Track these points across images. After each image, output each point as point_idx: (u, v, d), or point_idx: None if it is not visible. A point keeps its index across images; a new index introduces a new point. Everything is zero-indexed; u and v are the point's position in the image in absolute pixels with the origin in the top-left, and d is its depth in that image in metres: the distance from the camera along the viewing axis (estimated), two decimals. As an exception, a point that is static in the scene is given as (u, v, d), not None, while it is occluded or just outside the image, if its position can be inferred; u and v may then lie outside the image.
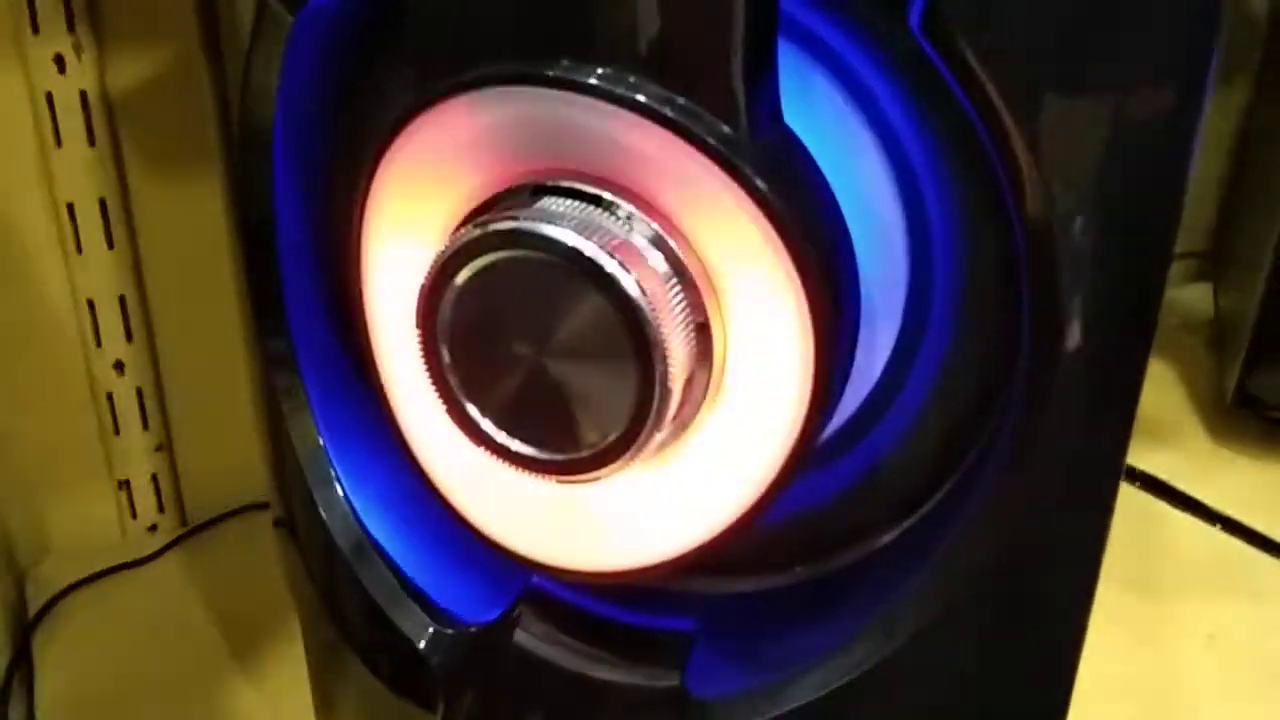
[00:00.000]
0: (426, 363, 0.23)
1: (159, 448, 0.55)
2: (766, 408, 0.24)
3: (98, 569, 0.53)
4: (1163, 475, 0.63)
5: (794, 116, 0.23)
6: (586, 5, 0.22)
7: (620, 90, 0.22)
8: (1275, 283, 0.63)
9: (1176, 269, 0.92)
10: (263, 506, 0.58)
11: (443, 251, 0.22)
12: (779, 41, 0.22)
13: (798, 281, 0.23)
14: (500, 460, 0.24)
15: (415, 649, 0.29)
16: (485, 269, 0.22)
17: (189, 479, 0.56)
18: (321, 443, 0.29)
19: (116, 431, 0.54)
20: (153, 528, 0.56)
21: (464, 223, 0.23)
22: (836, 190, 0.24)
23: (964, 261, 0.25)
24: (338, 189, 0.27)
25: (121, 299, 0.51)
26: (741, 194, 0.22)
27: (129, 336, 0.52)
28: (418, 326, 0.23)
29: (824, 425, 0.26)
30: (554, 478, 0.24)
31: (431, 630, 0.29)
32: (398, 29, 0.25)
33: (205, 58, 0.29)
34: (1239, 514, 0.59)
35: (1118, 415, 0.25)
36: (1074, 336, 0.24)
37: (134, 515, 0.56)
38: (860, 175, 0.25)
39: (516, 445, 0.23)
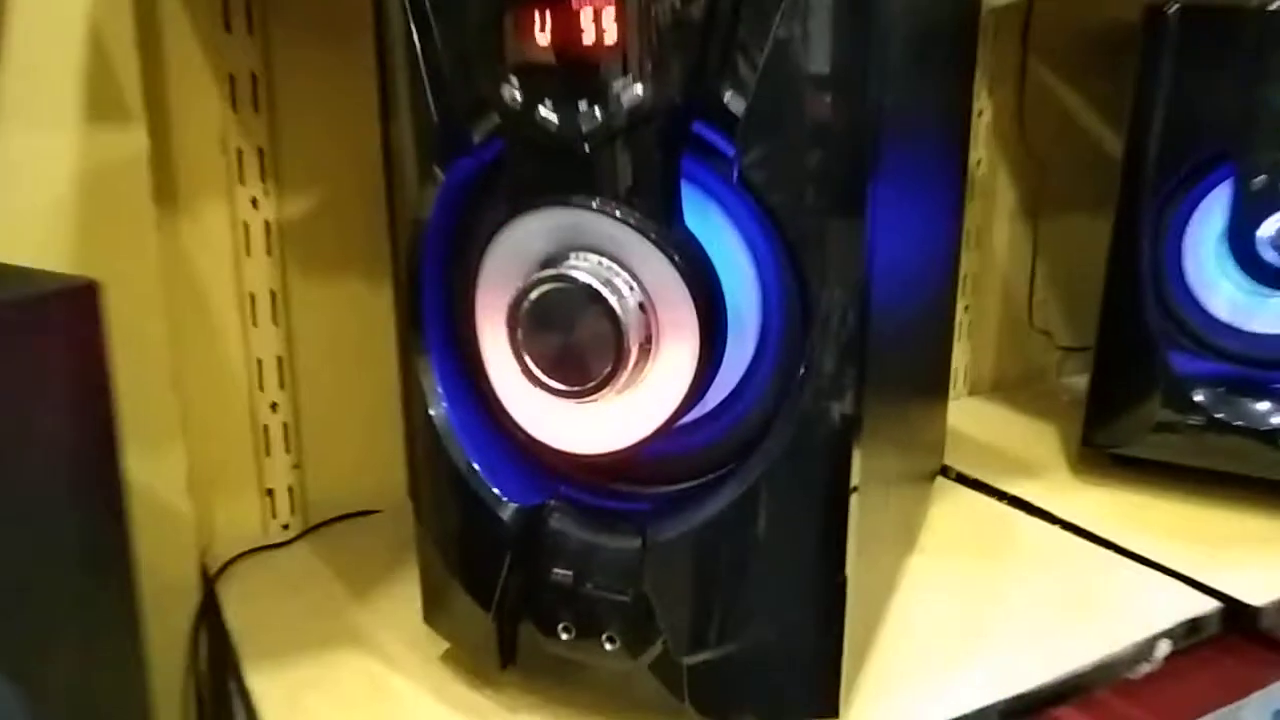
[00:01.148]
0: (510, 340, 0.46)
1: (295, 466, 0.78)
2: (676, 373, 0.47)
3: (248, 549, 0.75)
4: (1029, 498, 0.84)
5: (692, 222, 0.47)
6: (591, 169, 0.46)
7: (608, 209, 0.46)
8: (1100, 359, 0.86)
9: (1074, 359, 1.15)
10: (366, 514, 0.80)
11: (522, 284, 0.46)
12: (683, 184, 0.46)
13: (694, 309, 0.46)
14: (545, 392, 0.47)
15: (499, 516, 0.51)
16: (544, 292, 0.45)
17: (314, 491, 0.79)
18: (439, 390, 0.52)
19: (267, 453, 0.77)
20: (285, 526, 0.78)
21: (532, 271, 0.47)
22: (716, 262, 0.47)
23: (784, 309, 0.48)
24: (457, 257, 0.51)
25: (279, 359, 0.75)
26: (667, 261, 0.46)
27: (282, 385, 0.75)
28: (507, 322, 0.46)
29: (706, 387, 0.48)
30: (572, 401, 0.47)
31: (505, 505, 0.52)
32: (497, 180, 0.49)
33: (386, 195, 0.54)
34: (1079, 520, 0.80)
35: (844, 411, 0.47)
36: (827, 362, 0.47)
37: (274, 515, 0.78)
38: (728, 253, 0.48)
39: (554, 383, 0.47)
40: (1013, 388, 1.11)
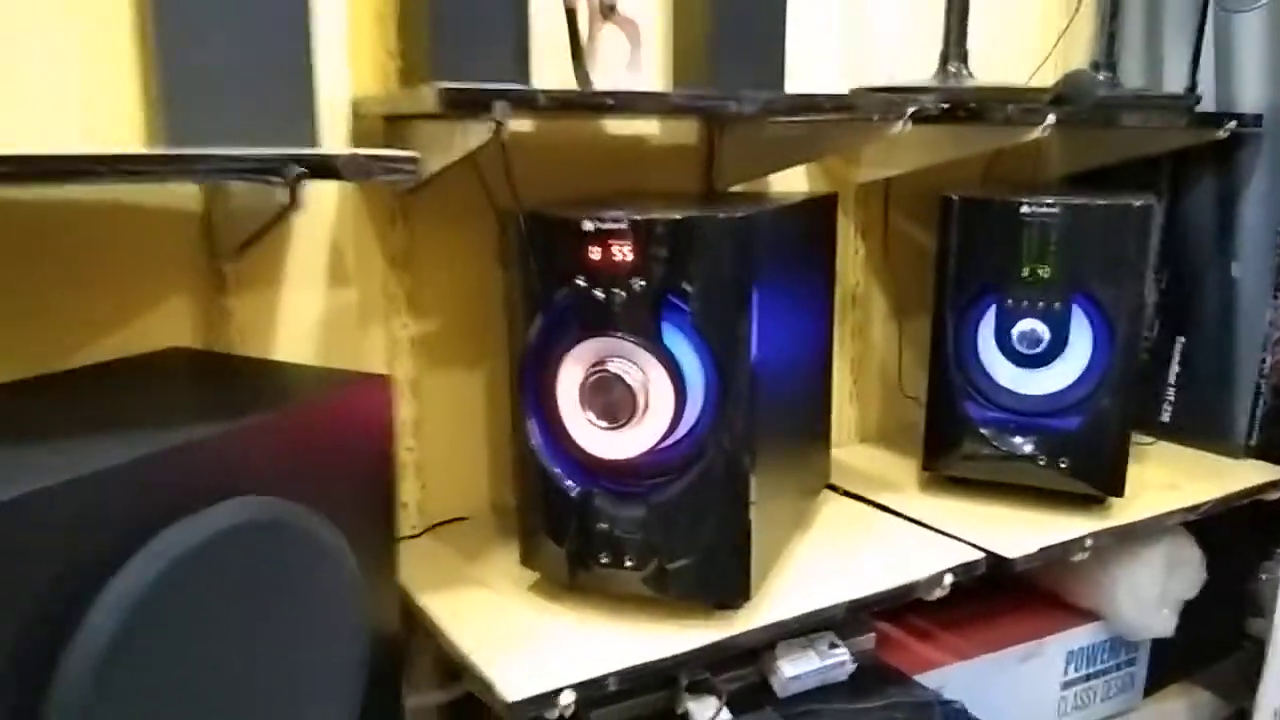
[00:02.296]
0: (579, 400, 0.94)
1: (422, 488, 1.23)
2: (661, 419, 0.95)
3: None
4: (885, 502, 1.31)
5: (670, 342, 0.95)
6: (619, 318, 0.94)
7: (628, 337, 0.94)
8: (930, 413, 1.34)
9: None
10: (461, 519, 1.26)
11: (585, 373, 0.93)
12: (663, 323, 0.94)
13: (671, 387, 0.94)
14: (595, 427, 0.94)
15: (569, 496, 0.98)
16: (596, 377, 0.93)
17: (429, 505, 1.24)
18: (531, 422, 0.99)
19: (404, 480, 1.22)
20: (414, 526, 1.24)
21: (587, 369, 0.94)
22: (681, 362, 0.95)
23: (716, 389, 0.96)
24: (545, 360, 0.98)
25: (415, 421, 1.21)
26: (658, 362, 0.94)
27: (415, 436, 1.22)
28: (578, 391, 0.94)
29: (677, 427, 0.96)
30: (609, 432, 0.94)
31: (572, 490, 0.98)
32: (569, 320, 0.97)
33: (507, 325, 1.01)
34: (912, 514, 1.27)
35: (744, 443, 0.95)
36: (736, 418, 0.94)
37: (406, 519, 1.23)
38: (688, 358, 0.96)
39: (600, 422, 0.94)
40: (889, 437, 1.59)
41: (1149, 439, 1.60)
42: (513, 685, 0.89)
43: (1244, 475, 1.45)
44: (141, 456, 0.71)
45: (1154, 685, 1.61)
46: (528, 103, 0.86)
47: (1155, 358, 1.61)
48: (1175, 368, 1.60)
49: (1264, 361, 1.49)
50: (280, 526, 0.78)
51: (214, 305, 1.03)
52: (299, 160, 0.69)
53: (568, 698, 0.90)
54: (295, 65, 0.88)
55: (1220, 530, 1.47)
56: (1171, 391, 1.60)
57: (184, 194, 1.00)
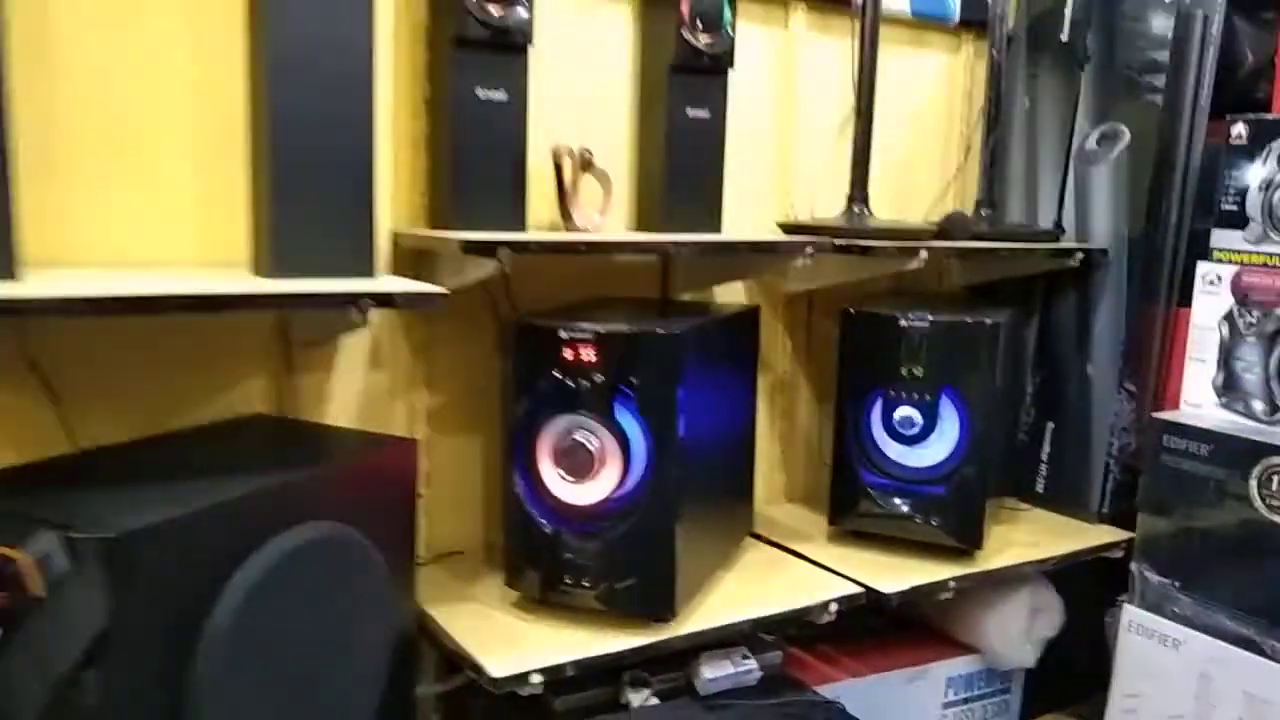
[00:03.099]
0: (552, 458, 1.30)
1: (430, 527, 1.57)
2: (613, 475, 1.30)
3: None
4: (797, 549, 1.66)
5: (621, 419, 1.30)
6: (586, 398, 1.29)
7: (591, 414, 1.29)
8: (834, 478, 1.69)
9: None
10: (458, 553, 1.60)
11: (557, 438, 1.29)
12: (616, 405, 1.29)
13: (620, 451, 1.29)
14: (563, 480, 1.29)
15: (547, 534, 1.33)
16: (566, 443, 1.29)
17: (434, 540, 1.58)
18: (517, 476, 1.34)
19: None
20: (421, 556, 1.57)
21: (559, 437, 1.30)
22: (629, 433, 1.30)
23: (653, 454, 1.31)
24: (529, 429, 1.34)
25: (427, 473, 1.55)
26: (610, 433, 1.29)
27: (427, 486, 1.56)
28: (550, 452, 1.29)
29: (625, 481, 1.31)
30: (574, 484, 1.29)
31: (546, 528, 1.33)
32: (548, 400, 1.32)
33: (500, 404, 1.36)
34: (816, 558, 1.61)
35: (675, 496, 1.30)
36: (670, 475, 1.30)
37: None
38: (634, 429, 1.31)
39: (568, 477, 1.29)
40: (809, 497, 1.93)
41: (1026, 506, 1.95)
42: (497, 666, 1.23)
43: (1093, 537, 1.79)
44: (251, 491, 1.05)
45: (1028, 714, 1.93)
46: (523, 248, 1.23)
47: (1031, 439, 1.97)
48: (1047, 447, 1.96)
49: (1112, 444, 1.85)
50: (344, 542, 1.13)
51: (285, 383, 1.38)
52: (371, 295, 1.05)
53: (536, 678, 1.23)
54: (364, 211, 1.22)
55: (1083, 581, 1.82)
56: (1044, 467, 1.96)
57: (267, 300, 1.36)
